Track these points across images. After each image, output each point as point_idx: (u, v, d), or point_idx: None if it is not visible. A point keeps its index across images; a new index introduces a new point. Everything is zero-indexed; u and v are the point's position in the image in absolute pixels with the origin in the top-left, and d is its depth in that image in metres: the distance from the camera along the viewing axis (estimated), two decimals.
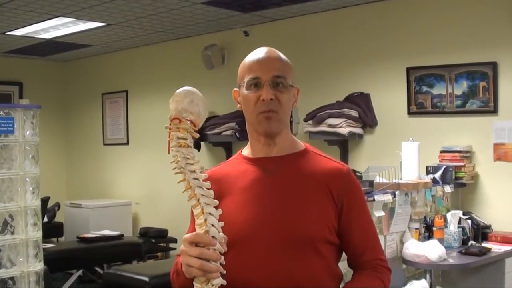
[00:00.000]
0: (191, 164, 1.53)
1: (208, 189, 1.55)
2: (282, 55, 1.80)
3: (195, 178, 1.53)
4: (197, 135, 1.56)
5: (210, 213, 1.54)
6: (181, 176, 1.54)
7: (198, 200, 1.53)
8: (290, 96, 1.77)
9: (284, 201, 1.72)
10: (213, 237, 1.53)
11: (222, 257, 1.54)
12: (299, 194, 1.73)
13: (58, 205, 7.60)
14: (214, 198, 1.61)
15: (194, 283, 1.54)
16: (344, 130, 5.31)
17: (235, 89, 1.82)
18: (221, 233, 1.54)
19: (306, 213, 1.71)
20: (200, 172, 1.54)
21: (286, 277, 1.67)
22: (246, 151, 1.85)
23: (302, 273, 1.68)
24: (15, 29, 6.43)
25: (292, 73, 1.79)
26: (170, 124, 1.54)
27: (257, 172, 1.77)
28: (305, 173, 1.76)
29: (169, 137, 1.55)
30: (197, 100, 1.55)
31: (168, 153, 1.55)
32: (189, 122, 1.53)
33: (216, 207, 1.59)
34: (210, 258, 1.52)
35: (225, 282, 1.54)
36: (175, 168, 1.54)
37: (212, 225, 1.53)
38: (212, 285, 1.52)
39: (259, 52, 1.78)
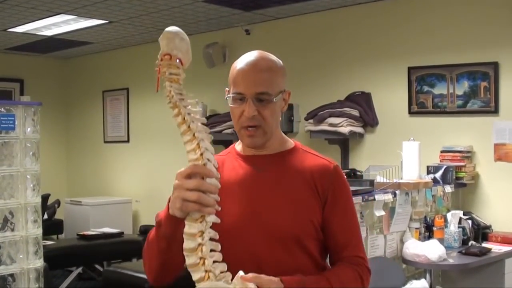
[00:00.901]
0: (184, 99, 1.50)
1: (204, 124, 1.52)
2: (270, 63, 1.77)
3: (189, 113, 1.50)
4: (184, 75, 1.54)
5: (206, 148, 1.50)
6: (175, 111, 1.51)
7: (194, 134, 1.49)
8: (275, 108, 1.76)
9: (271, 198, 1.75)
10: None
11: (217, 193, 1.50)
12: (287, 191, 1.76)
13: (58, 202, 7.59)
14: None
15: (186, 222, 1.48)
16: (345, 129, 5.31)
17: (227, 88, 1.81)
18: (216, 170, 1.51)
19: (292, 209, 1.74)
20: (194, 107, 1.51)
21: (273, 273, 1.66)
22: (238, 146, 1.88)
23: (288, 268, 1.69)
24: (17, 26, 6.43)
25: (280, 81, 1.77)
26: (160, 60, 1.51)
27: (248, 169, 1.80)
28: (293, 170, 1.79)
29: (159, 74, 1.51)
30: (186, 39, 1.55)
31: (157, 90, 1.52)
32: (178, 60, 1.52)
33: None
34: (207, 190, 1.47)
35: (218, 220, 1.49)
36: (169, 102, 1.50)
37: (208, 160, 1.49)
38: (207, 223, 1.47)
39: (246, 62, 1.76)
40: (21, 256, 3.81)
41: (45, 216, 6.96)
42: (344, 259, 1.79)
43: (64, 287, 6.10)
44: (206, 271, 1.44)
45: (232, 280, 1.49)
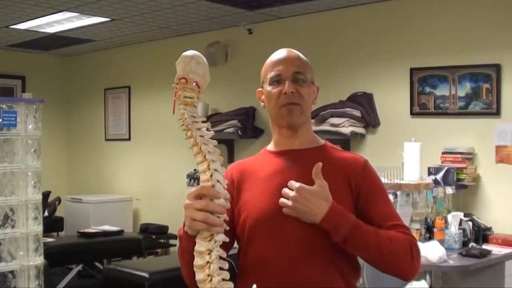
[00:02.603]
0: (197, 122, 1.57)
1: (215, 147, 1.58)
2: (302, 55, 1.92)
3: (201, 136, 1.56)
4: (200, 97, 1.59)
5: (216, 169, 1.56)
6: (188, 133, 1.57)
7: (205, 156, 1.55)
8: (311, 91, 1.90)
9: None
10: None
11: (225, 214, 1.56)
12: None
13: (58, 199, 7.60)
14: (237, 188, 1.80)
15: (196, 240, 1.54)
16: (347, 130, 5.31)
17: (259, 89, 1.93)
18: (225, 190, 1.57)
19: None
20: (207, 130, 1.58)
21: (304, 265, 1.71)
22: (270, 146, 1.96)
23: (320, 261, 1.73)
24: (19, 23, 6.43)
25: (312, 72, 1.91)
26: (176, 84, 1.57)
27: (280, 163, 1.86)
28: (324, 165, 1.82)
29: (175, 96, 1.57)
30: (202, 62, 1.60)
31: (173, 113, 1.58)
32: (194, 83, 1.57)
33: (239, 196, 1.76)
34: (214, 211, 1.53)
35: (227, 239, 1.56)
36: (182, 125, 1.56)
37: (218, 181, 1.56)
38: (215, 242, 1.52)
39: (281, 52, 1.91)
40: (21, 253, 3.81)
41: (46, 213, 6.97)
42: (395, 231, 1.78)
43: (64, 284, 6.10)
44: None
45: None
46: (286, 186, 1.76)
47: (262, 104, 1.93)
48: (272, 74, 1.85)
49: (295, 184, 1.70)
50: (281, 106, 1.83)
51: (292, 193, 1.69)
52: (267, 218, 1.76)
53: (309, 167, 1.79)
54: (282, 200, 1.70)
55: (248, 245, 1.80)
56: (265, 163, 1.89)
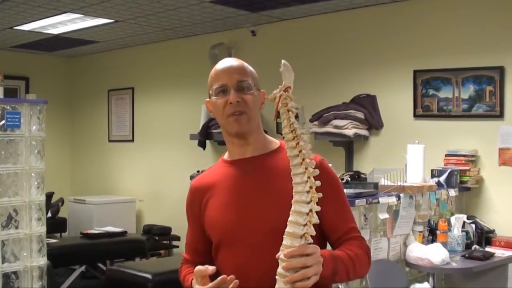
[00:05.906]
0: (303, 134, 1.61)
1: (311, 159, 1.61)
2: (245, 64, 1.93)
3: (305, 148, 1.60)
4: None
5: (312, 187, 1.60)
6: (293, 142, 1.59)
7: (306, 168, 1.58)
8: (256, 98, 1.89)
9: (259, 198, 1.83)
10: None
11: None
12: (273, 190, 1.83)
13: (62, 200, 7.61)
14: (203, 206, 1.89)
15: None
16: (350, 132, 5.31)
17: (207, 99, 1.93)
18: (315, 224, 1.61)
19: (278, 204, 1.78)
20: (307, 142, 1.61)
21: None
22: (226, 155, 1.98)
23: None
24: (23, 24, 6.45)
25: (256, 80, 1.91)
26: (284, 91, 1.61)
27: (235, 174, 1.89)
28: (279, 169, 1.85)
29: (278, 102, 1.61)
30: None
31: (274, 119, 1.66)
32: None
33: (204, 213, 1.86)
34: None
35: None
36: (289, 133, 1.59)
37: (315, 200, 1.59)
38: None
39: (224, 62, 1.92)
40: (24, 254, 3.82)
41: (49, 214, 6.97)
42: (341, 238, 1.85)
43: (67, 285, 6.11)
44: None
45: None
46: (242, 198, 1.83)
47: (211, 114, 1.94)
48: (216, 85, 1.86)
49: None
50: (228, 116, 1.84)
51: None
52: (232, 234, 1.81)
53: (264, 173, 1.85)
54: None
55: (219, 259, 1.88)
56: (222, 173, 1.92)
